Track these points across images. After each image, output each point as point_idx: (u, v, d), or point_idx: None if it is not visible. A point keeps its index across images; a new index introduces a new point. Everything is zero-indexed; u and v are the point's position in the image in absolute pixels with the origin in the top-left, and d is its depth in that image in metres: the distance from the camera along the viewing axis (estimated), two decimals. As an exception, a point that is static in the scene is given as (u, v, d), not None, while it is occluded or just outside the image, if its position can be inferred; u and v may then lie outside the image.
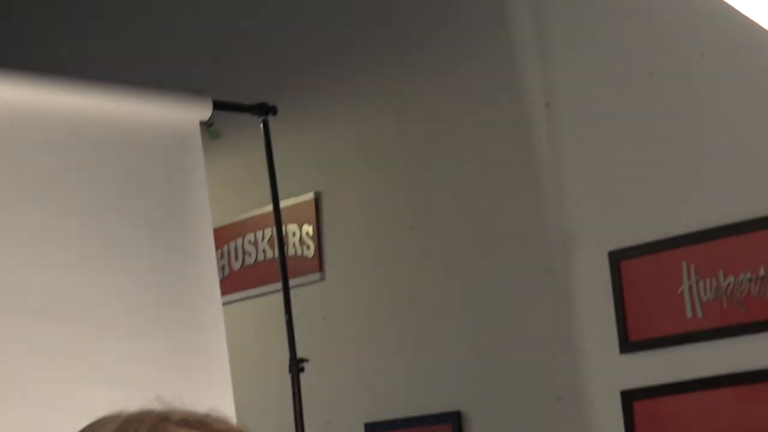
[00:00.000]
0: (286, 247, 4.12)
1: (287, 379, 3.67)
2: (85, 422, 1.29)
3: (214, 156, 3.95)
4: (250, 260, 5.02)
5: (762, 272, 3.59)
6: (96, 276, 2.73)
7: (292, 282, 3.99)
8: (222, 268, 4.96)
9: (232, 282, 4.96)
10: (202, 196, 3.03)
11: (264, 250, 4.96)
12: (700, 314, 3.71)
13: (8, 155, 2.67)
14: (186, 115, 3.19)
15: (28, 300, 2.59)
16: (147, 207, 2.88)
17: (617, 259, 3.88)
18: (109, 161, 2.84)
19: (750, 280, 3.62)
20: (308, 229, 4.79)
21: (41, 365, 2.55)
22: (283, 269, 3.54)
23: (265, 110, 3.78)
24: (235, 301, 4.89)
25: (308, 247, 4.78)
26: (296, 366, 3.43)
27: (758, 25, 2.67)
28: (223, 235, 4.88)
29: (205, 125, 3.44)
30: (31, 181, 2.69)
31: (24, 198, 2.67)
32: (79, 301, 2.66)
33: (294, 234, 4.82)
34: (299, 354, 3.66)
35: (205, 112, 3.35)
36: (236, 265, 5.05)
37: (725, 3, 2.59)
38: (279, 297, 4.01)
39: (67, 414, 1.26)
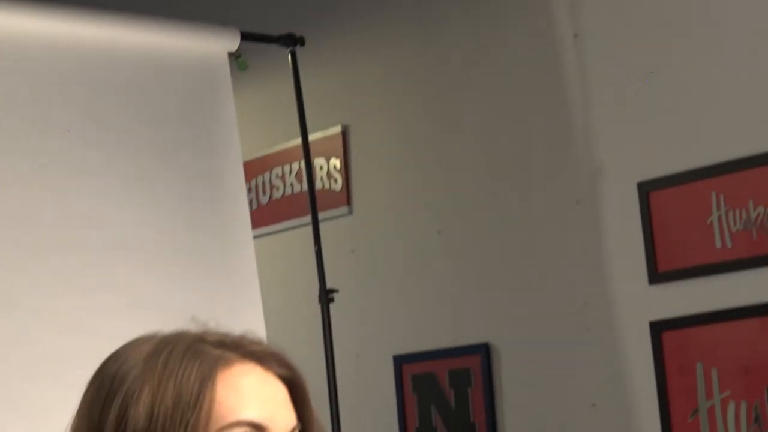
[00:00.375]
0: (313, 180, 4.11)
1: (316, 311, 3.68)
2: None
3: (240, 89, 3.94)
4: (277, 194, 5.02)
5: (792, 202, 3.58)
6: (127, 206, 2.74)
7: (320, 216, 3.99)
8: (250, 203, 4.96)
9: (260, 216, 4.96)
10: (231, 127, 3.03)
11: (292, 184, 4.96)
12: (729, 245, 3.70)
13: (39, 87, 2.67)
14: (214, 46, 3.19)
15: (60, 230, 2.60)
16: (177, 138, 2.88)
17: (646, 190, 3.87)
18: (138, 93, 2.84)
19: (780, 209, 3.60)
20: (336, 162, 4.78)
21: (73, 294, 2.56)
22: (312, 199, 3.53)
23: (292, 41, 3.77)
24: (263, 235, 4.90)
25: (336, 181, 4.78)
26: (326, 296, 3.43)
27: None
28: (250, 170, 4.88)
29: (233, 57, 3.43)
30: (62, 113, 2.69)
31: (55, 130, 2.67)
32: (110, 231, 2.67)
33: (321, 168, 4.82)
34: (328, 286, 3.66)
35: (232, 43, 3.34)
36: (264, 200, 5.06)
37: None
38: (307, 231, 4.02)
39: (98, 342, 1.26)
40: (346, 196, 4.77)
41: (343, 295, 3.55)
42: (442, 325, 4.44)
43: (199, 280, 2.81)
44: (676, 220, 3.81)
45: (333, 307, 3.76)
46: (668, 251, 3.82)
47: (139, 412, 1.19)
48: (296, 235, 4.82)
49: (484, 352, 4.30)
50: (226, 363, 1.24)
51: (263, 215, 5.02)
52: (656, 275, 3.84)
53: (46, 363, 2.39)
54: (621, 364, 3.95)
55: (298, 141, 4.02)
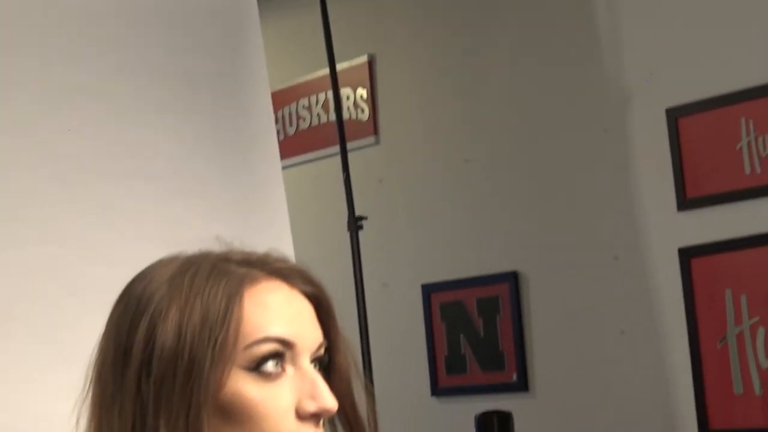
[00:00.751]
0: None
1: (344, 241, 3.68)
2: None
3: (266, 19, 3.92)
4: (304, 125, 5.02)
5: (823, 126, 3.55)
6: (158, 136, 2.74)
7: (347, 146, 3.98)
8: (276, 134, 4.96)
9: (286, 147, 4.96)
10: (259, 56, 3.01)
11: (318, 115, 4.95)
12: (758, 170, 3.67)
13: (67, 17, 2.66)
14: (240, -26, 3.16)
15: (92, 160, 2.61)
16: (206, 68, 2.87)
17: (675, 116, 3.84)
18: (167, 22, 2.83)
19: (810, 134, 3.58)
20: (362, 92, 4.77)
21: (98, 223, 2.57)
22: (340, 127, 3.51)
23: (318, -31, 3.74)
24: (290, 166, 4.90)
25: (362, 111, 4.77)
26: (355, 223, 3.43)
27: None
28: (276, 101, 4.86)
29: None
30: (91, 43, 2.68)
31: (85, 60, 2.67)
32: (141, 161, 2.67)
33: (348, 98, 4.80)
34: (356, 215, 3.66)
35: (258, -29, 3.31)
36: (291, 131, 5.05)
37: None
38: (333, 161, 4.02)
39: (125, 270, 1.27)
40: (373, 126, 4.75)
41: (370, 225, 3.54)
42: (470, 254, 4.44)
43: (229, 210, 2.81)
44: (705, 146, 3.79)
45: (361, 237, 3.76)
46: (697, 177, 3.80)
47: (167, 330, 1.20)
48: (323, 166, 4.82)
49: (512, 280, 4.31)
50: (252, 280, 1.24)
51: (290, 146, 5.01)
52: (685, 202, 3.82)
53: (80, 292, 2.41)
54: (650, 291, 3.95)
55: (324, 71, 4.00)
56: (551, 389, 4.24)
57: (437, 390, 4.57)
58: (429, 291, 4.57)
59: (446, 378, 4.55)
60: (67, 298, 2.47)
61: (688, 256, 3.82)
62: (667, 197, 3.86)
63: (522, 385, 4.30)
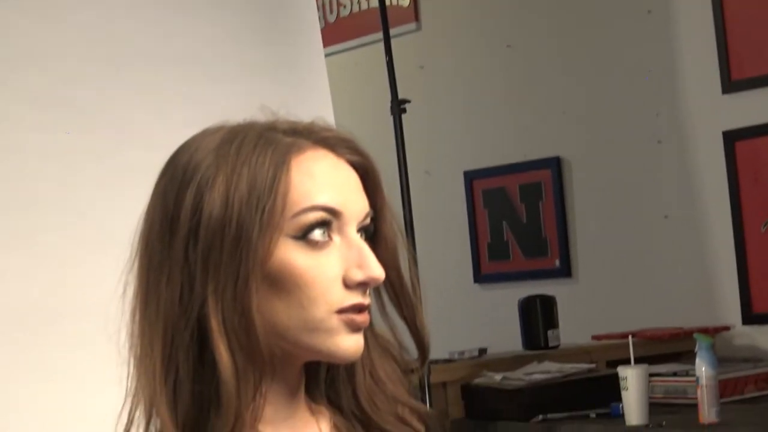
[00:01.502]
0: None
1: (387, 129, 3.64)
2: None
3: None
4: (345, 12, 4.98)
5: None
6: (200, 20, 2.73)
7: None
8: (317, 22, 4.92)
9: (326, 35, 4.92)
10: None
11: (359, 2, 4.91)
12: (805, 51, 3.63)
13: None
14: None
15: (134, 44, 2.61)
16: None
17: (720, -4, 3.79)
18: None
19: None
20: (403, -22, 4.72)
21: (141, 107, 2.58)
22: (383, 11, 3.47)
23: None
24: (332, 54, 4.87)
25: (403, -3, 4.73)
26: (398, 107, 3.40)
27: None
28: (316, -12, 4.84)
29: None
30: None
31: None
32: (180, 45, 2.67)
33: (388, -16, 4.75)
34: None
35: None
36: (331, 18, 5.02)
37: None
38: (373, 49, 3.99)
39: (167, 154, 1.26)
40: (414, 11, 4.71)
41: (412, 112, 3.51)
42: (512, 140, 4.43)
43: (271, 95, 2.81)
44: (751, 27, 3.73)
45: (403, 125, 3.73)
46: (742, 59, 3.76)
47: (214, 199, 1.19)
48: (364, 53, 4.79)
49: (555, 165, 4.29)
50: (299, 149, 1.23)
51: (330, 34, 4.97)
52: (730, 84, 3.78)
53: (124, 175, 2.42)
54: (693, 174, 3.92)
55: (365, -44, 3.95)
56: (594, 275, 4.24)
57: (480, 277, 4.59)
58: (471, 178, 4.56)
59: (489, 265, 4.56)
60: (108, 181, 2.49)
61: (732, 139, 3.79)
62: (711, 79, 3.82)
63: (565, 270, 4.31)
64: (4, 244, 2.40)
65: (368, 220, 1.26)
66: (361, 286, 1.23)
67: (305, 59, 3.00)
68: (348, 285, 1.22)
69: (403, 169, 3.39)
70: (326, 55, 4.60)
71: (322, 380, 1.29)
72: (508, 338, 3.87)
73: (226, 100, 2.62)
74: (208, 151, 1.23)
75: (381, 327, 1.30)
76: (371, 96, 4.49)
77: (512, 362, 3.58)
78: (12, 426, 2.35)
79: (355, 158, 1.27)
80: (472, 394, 3.48)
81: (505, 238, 4.49)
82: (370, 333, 1.26)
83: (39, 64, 2.50)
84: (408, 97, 3.46)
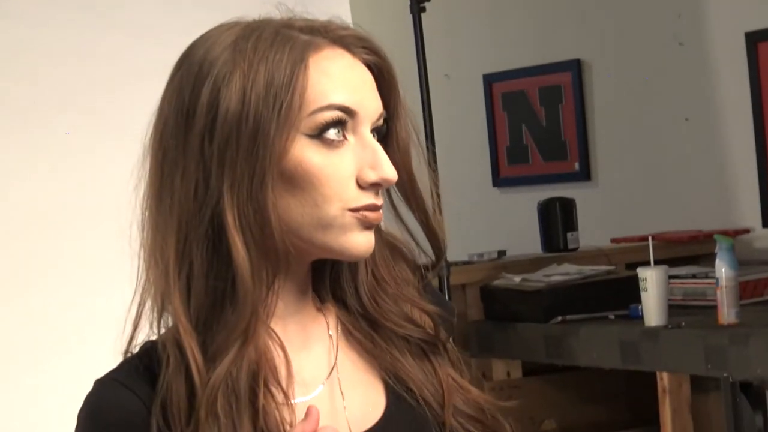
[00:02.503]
0: None
1: (407, 31, 3.60)
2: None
3: None
4: None
5: None
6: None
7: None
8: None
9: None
10: None
11: None
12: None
13: None
14: None
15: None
16: None
17: None
18: None
19: None
20: None
21: (158, 8, 2.60)
22: None
23: None
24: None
25: None
26: (417, 5, 3.36)
27: None
28: None
29: None
30: None
31: None
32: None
33: None
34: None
35: None
36: None
37: None
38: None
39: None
40: None
41: (430, 15, 3.47)
42: (531, 42, 4.40)
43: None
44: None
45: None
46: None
47: (231, 95, 1.18)
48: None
49: (575, 68, 4.26)
50: (316, 48, 1.22)
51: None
52: (753, -15, 3.74)
53: (137, 74, 2.44)
54: (715, 77, 3.90)
55: None
56: (613, 178, 4.24)
57: (498, 180, 4.59)
58: (490, 81, 4.54)
59: (508, 168, 4.56)
60: (125, 80, 2.51)
61: (754, 40, 3.75)
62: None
63: (584, 174, 4.30)
64: (24, 142, 2.44)
65: (381, 121, 1.26)
66: (374, 186, 1.23)
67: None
68: (361, 185, 1.22)
69: (423, 71, 3.36)
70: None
71: (327, 277, 1.30)
72: (528, 241, 3.88)
73: (242, 2, 2.62)
74: (225, 47, 1.22)
75: (392, 227, 1.30)
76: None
77: (531, 264, 3.60)
78: (23, 317, 2.41)
79: (371, 58, 1.26)
80: (491, 296, 3.50)
81: (525, 142, 4.48)
82: (376, 233, 1.27)
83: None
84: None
